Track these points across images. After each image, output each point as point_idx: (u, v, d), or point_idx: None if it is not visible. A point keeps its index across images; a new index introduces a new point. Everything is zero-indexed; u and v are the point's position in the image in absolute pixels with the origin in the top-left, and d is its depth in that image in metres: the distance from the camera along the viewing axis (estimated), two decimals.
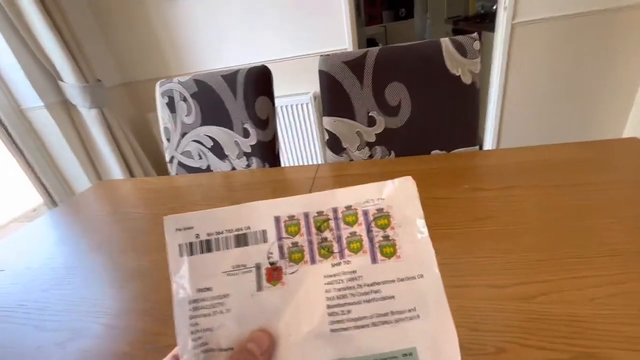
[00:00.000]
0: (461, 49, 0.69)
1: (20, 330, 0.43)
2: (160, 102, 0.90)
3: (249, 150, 0.84)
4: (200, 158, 0.91)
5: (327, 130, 0.80)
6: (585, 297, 0.34)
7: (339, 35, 1.61)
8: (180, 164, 0.94)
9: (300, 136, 1.80)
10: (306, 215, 0.30)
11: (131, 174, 1.80)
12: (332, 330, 0.27)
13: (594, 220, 0.45)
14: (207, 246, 0.28)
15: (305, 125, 1.76)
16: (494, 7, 1.65)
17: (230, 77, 0.82)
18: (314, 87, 1.75)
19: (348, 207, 0.30)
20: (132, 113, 1.96)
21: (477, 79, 0.71)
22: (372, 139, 0.78)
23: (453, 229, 0.48)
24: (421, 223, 0.29)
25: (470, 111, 0.72)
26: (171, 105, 0.89)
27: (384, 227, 0.30)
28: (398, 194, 0.30)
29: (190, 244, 0.28)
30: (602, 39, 1.44)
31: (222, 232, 0.29)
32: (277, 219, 0.31)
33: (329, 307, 0.28)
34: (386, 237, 0.29)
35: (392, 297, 0.27)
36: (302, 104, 1.70)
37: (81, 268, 0.55)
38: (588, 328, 0.31)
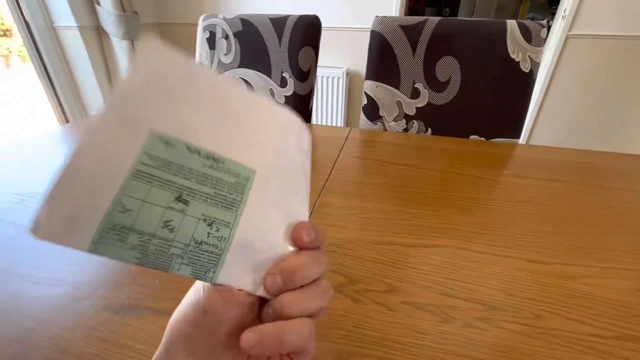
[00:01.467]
0: (527, 34, 0.66)
1: None
2: (200, 37, 0.87)
3: (282, 100, 0.82)
4: None
5: (367, 95, 0.77)
6: (631, 287, 0.32)
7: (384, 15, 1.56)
8: None
9: (326, 110, 1.77)
10: None
11: None
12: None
13: (637, 222, 0.43)
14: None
15: (333, 100, 1.72)
16: (547, 20, 1.58)
17: (279, 22, 0.79)
18: (348, 63, 1.70)
19: None
20: None
21: (535, 69, 0.67)
22: (412, 111, 0.75)
23: (491, 206, 0.46)
24: None
25: (521, 101, 0.69)
26: (211, 41, 0.86)
27: None
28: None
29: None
30: None
31: None
32: None
33: None
34: None
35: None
36: (333, 78, 1.66)
37: None
38: (634, 315, 0.30)
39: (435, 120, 0.75)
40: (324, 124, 1.84)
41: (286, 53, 0.79)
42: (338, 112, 1.75)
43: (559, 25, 1.42)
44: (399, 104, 0.76)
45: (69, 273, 0.33)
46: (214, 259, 0.17)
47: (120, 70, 1.69)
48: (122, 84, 0.15)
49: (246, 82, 0.85)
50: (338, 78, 1.66)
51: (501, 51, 0.68)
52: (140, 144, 0.15)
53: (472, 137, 0.75)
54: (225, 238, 0.17)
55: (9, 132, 2.07)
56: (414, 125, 0.77)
